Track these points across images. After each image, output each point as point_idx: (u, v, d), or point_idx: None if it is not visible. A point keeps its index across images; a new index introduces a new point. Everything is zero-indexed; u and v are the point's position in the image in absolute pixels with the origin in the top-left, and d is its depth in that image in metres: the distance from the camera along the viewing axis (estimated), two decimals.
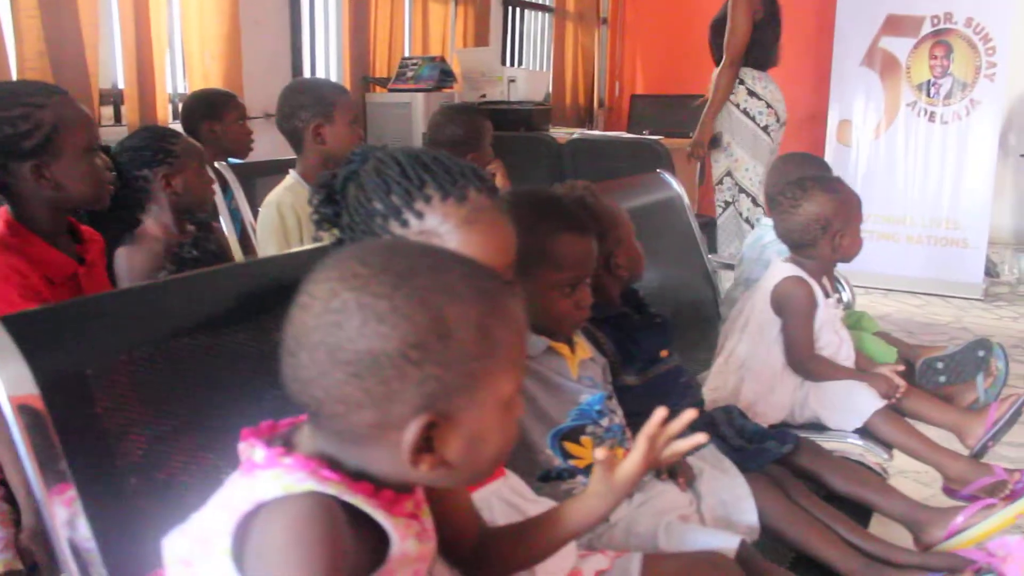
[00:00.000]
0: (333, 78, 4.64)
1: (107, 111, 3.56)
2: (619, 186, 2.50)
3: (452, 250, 0.81)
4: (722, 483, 1.43)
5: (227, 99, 3.22)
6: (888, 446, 1.86)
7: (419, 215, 1.02)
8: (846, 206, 1.96)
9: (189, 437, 1.02)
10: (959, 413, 1.98)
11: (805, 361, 1.94)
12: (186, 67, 3.78)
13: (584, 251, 1.37)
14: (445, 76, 4.70)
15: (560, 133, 5.00)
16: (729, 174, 4.06)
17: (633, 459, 0.96)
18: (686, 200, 2.49)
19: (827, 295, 2.05)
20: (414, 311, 0.70)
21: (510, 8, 5.88)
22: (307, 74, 4.44)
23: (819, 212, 1.94)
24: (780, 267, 2.03)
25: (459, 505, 0.99)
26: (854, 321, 2.36)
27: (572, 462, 1.36)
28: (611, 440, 1.39)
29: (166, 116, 3.61)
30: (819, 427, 1.93)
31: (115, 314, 1.05)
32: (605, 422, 1.39)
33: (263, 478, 0.73)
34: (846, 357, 2.03)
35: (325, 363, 0.71)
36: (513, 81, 5.02)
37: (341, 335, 0.70)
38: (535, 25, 6.23)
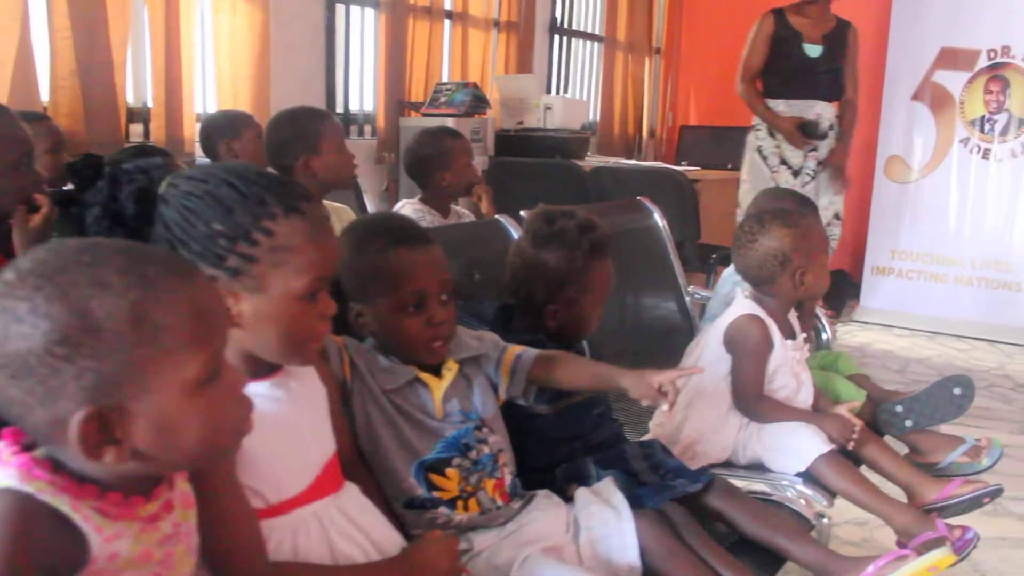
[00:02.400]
0: (367, 102, 4.73)
1: (137, 128, 3.69)
2: (596, 210, 2.47)
3: (121, 242, 0.82)
4: (606, 517, 1.38)
5: (244, 118, 3.31)
6: (832, 492, 1.77)
7: (268, 232, 1.03)
8: (806, 241, 1.88)
9: None
10: (915, 473, 1.88)
11: (751, 402, 1.86)
12: (217, 88, 3.90)
13: (419, 263, 1.34)
14: (478, 102, 4.73)
15: (595, 161, 4.98)
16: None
17: None
18: (664, 230, 2.43)
19: (792, 335, 1.97)
20: (54, 308, 0.72)
21: (556, 36, 5.89)
22: (340, 97, 4.54)
23: (777, 247, 1.86)
24: (739, 304, 1.95)
25: (233, 524, 0.99)
26: (830, 362, 2.26)
27: (436, 493, 1.34)
28: (479, 473, 1.36)
29: (193, 135, 3.72)
30: (763, 469, 1.85)
31: None
32: (473, 454, 1.36)
33: None
34: (803, 401, 1.94)
35: None
36: (549, 108, 5.03)
37: None
38: (583, 53, 6.22)
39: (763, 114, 4.05)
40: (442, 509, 1.33)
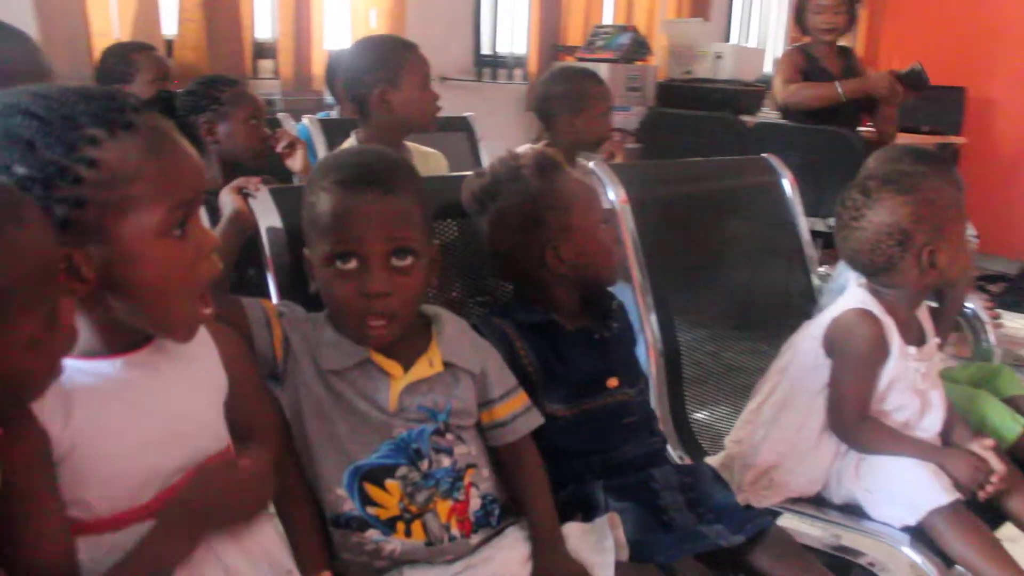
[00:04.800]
0: (519, 43, 4.42)
1: (266, 64, 3.58)
2: (712, 167, 2.07)
3: None
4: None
5: None
6: (948, 559, 1.33)
7: (91, 163, 0.80)
8: (932, 209, 1.41)
9: None
10: None
11: (850, 424, 1.44)
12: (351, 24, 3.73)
13: (357, 210, 1.04)
14: (639, 47, 4.32)
15: (764, 118, 4.44)
16: None
17: None
18: (792, 195, 1.99)
19: (920, 340, 1.51)
20: None
21: None
22: (486, 37, 4.26)
23: (891, 222, 1.41)
24: (849, 295, 1.52)
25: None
26: (986, 377, 1.76)
27: (370, 510, 1.05)
28: (429, 490, 1.05)
29: (322, 72, 3.57)
30: (861, 514, 1.43)
31: None
32: (425, 465, 1.06)
33: None
34: (928, 428, 1.48)
35: None
36: (720, 57, 4.52)
37: None
38: None
39: (841, 87, 3.42)
40: (371, 533, 1.04)
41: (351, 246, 1.04)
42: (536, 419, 1.17)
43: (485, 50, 4.28)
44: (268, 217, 1.20)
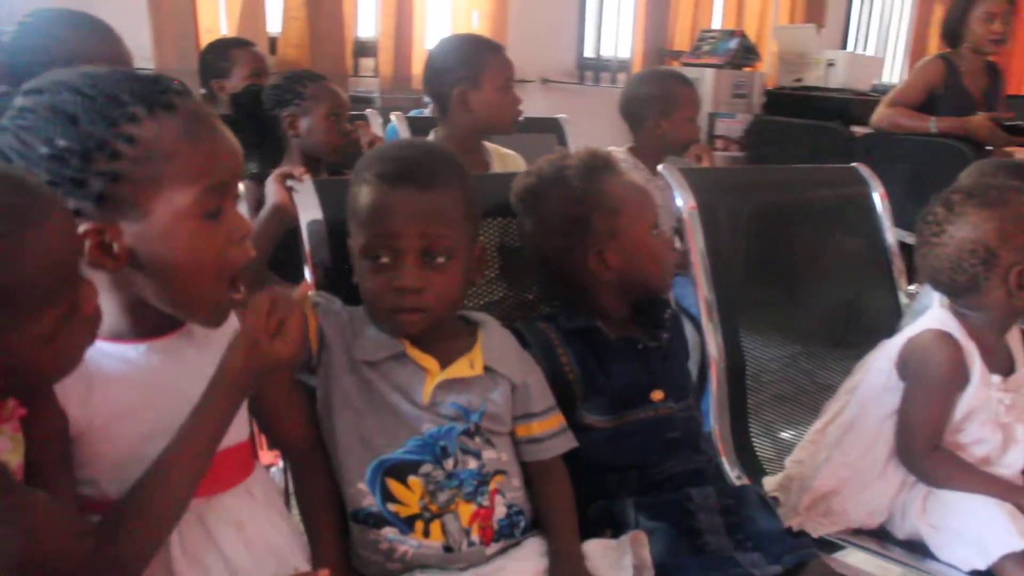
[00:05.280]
0: (624, 48, 4.36)
1: (367, 63, 3.64)
2: (794, 176, 1.98)
3: None
4: None
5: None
6: None
7: (130, 140, 0.82)
8: (1022, 226, 1.30)
9: None
10: None
11: (919, 453, 1.33)
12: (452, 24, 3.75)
13: (393, 204, 1.03)
14: (746, 53, 4.20)
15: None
16: None
17: None
18: (881, 208, 1.88)
19: (1008, 369, 1.39)
20: None
21: None
22: (590, 42, 4.22)
23: (974, 239, 1.30)
24: (930, 315, 1.41)
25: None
26: None
27: (390, 507, 1.03)
28: (452, 490, 1.03)
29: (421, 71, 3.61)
30: (924, 552, 1.32)
31: None
32: (449, 464, 1.03)
33: None
34: (1011, 464, 1.36)
35: None
36: (832, 65, 4.34)
37: None
38: (893, 4, 5.34)
39: (936, 126, 3.22)
40: (386, 531, 1.02)
41: (386, 240, 1.03)
42: (569, 442, 1.15)
43: (588, 53, 4.24)
44: (310, 210, 1.20)
